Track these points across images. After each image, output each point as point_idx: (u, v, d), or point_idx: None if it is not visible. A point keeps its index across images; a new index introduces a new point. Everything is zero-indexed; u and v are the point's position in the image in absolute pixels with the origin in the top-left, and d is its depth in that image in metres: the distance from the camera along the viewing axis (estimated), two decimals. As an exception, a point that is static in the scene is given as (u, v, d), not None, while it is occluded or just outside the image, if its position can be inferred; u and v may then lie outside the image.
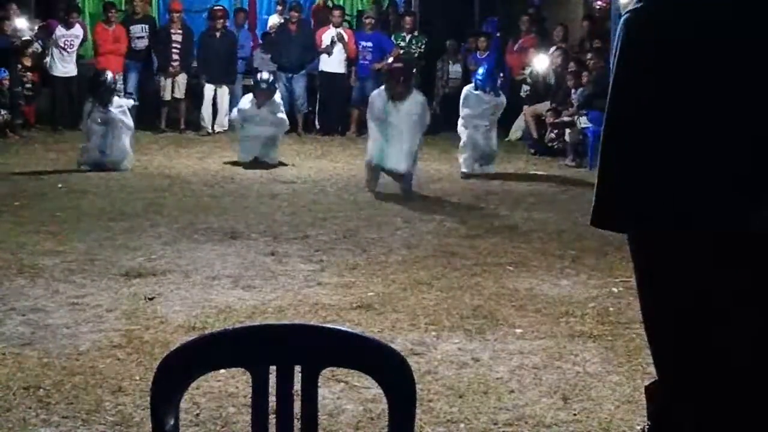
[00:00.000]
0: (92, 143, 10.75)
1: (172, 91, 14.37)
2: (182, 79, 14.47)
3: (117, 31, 14.38)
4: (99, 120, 10.69)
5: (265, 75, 11.75)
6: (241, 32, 15.27)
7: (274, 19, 15.53)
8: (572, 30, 14.60)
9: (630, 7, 2.17)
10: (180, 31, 14.36)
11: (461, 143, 11.07)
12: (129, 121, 11.02)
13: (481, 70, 11.40)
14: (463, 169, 10.99)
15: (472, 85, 11.21)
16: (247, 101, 11.59)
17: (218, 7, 14.72)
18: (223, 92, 14.35)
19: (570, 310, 5.79)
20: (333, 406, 4.18)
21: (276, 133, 11.58)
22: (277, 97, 11.70)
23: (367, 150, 9.85)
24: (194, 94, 14.81)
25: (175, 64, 14.31)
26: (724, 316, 2.08)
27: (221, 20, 14.28)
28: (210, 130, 14.17)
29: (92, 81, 11.46)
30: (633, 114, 2.11)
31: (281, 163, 11.62)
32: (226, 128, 14.08)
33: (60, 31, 14.13)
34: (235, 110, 11.83)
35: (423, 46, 14.51)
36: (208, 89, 14.30)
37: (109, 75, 11.26)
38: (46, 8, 15.86)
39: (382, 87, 9.90)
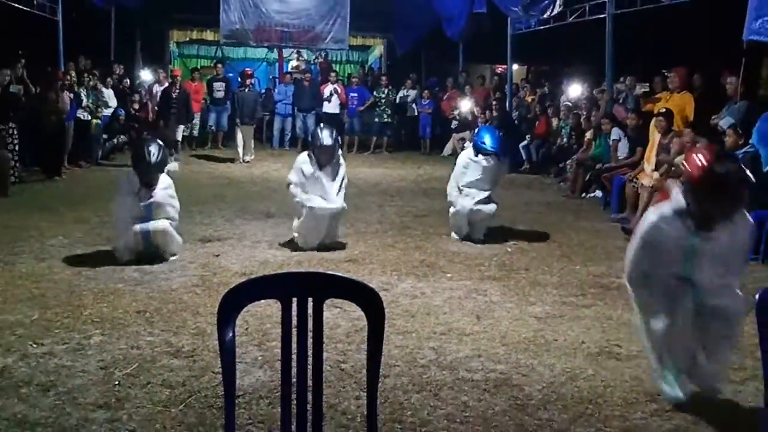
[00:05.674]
0: (128, 239, 5.49)
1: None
2: (179, 127, 12.33)
3: (198, 86, 13.75)
4: (138, 211, 5.51)
5: (327, 140, 6.02)
6: (279, 86, 14.80)
7: (293, 63, 16.18)
8: (480, 88, 14.59)
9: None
10: (177, 91, 12.20)
11: (452, 211, 6.64)
12: (173, 208, 5.75)
13: (488, 139, 6.49)
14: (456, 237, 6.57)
15: (469, 150, 6.66)
16: (305, 161, 6.10)
17: (247, 70, 13.51)
18: (248, 130, 12.46)
19: (481, 262, 5.81)
20: (333, 323, 4.19)
21: (343, 206, 6.17)
22: (341, 159, 6.26)
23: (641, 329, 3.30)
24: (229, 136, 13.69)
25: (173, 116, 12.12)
26: None
27: (249, 79, 12.90)
28: (241, 161, 12.16)
29: (136, 154, 5.60)
30: None
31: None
32: (252, 157, 12.31)
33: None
34: (292, 176, 6.12)
35: (395, 95, 14.48)
36: (240, 130, 12.42)
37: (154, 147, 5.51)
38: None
39: (667, 208, 3.13)
